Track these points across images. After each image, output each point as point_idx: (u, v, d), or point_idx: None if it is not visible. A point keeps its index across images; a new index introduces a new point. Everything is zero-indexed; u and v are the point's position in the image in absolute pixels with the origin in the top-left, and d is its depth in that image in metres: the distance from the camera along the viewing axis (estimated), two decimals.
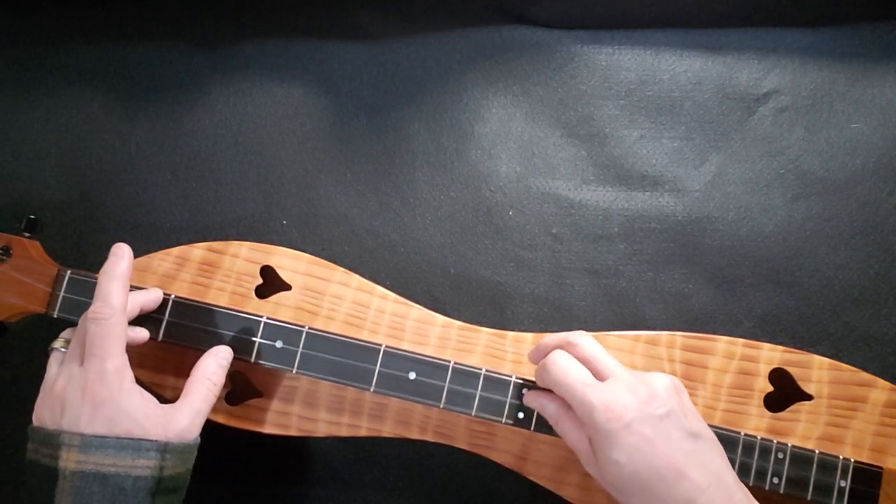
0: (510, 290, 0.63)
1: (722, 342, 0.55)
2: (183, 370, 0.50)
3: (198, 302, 0.53)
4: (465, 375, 0.51)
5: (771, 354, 0.54)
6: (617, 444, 0.42)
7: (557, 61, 0.65)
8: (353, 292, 0.56)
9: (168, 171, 0.66)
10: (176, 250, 0.56)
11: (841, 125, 0.63)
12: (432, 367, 0.51)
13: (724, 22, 0.65)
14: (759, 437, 0.51)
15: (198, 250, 0.56)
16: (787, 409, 0.54)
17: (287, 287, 0.56)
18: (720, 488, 0.42)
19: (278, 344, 0.52)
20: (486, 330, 0.56)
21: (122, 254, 0.49)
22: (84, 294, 0.53)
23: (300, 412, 0.55)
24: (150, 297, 0.52)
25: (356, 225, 0.65)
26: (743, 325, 0.62)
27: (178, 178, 0.66)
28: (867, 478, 0.51)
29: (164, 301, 0.53)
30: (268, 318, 0.53)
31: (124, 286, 0.48)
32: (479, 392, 0.51)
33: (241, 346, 0.52)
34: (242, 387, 0.56)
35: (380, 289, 0.56)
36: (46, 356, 0.49)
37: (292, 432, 0.55)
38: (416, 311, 0.56)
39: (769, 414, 0.54)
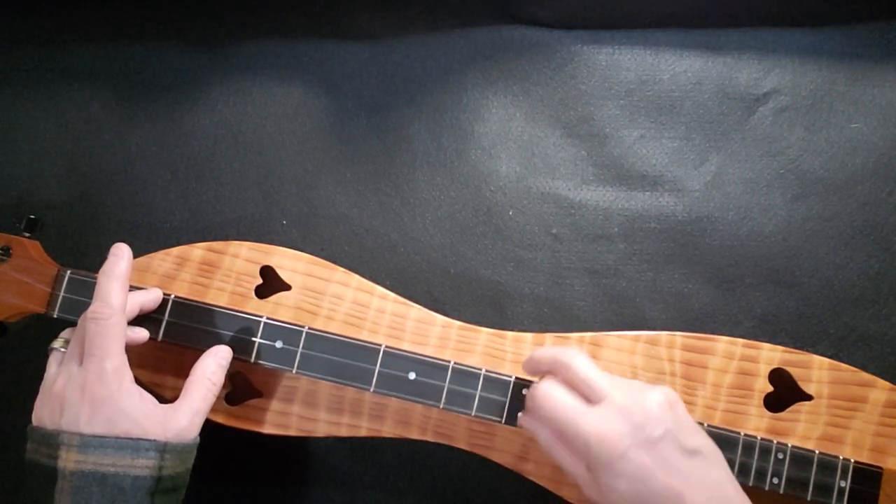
0: (510, 290, 0.63)
1: (722, 342, 0.55)
2: (183, 370, 0.50)
3: (198, 302, 0.53)
4: (465, 375, 0.51)
5: (771, 354, 0.54)
6: (615, 472, 0.42)
7: (557, 61, 0.65)
8: (353, 292, 0.56)
9: (168, 171, 0.66)
10: (176, 250, 0.56)
11: (841, 125, 0.63)
12: (432, 368, 0.51)
13: (724, 22, 0.64)
14: (758, 438, 0.51)
15: (198, 250, 0.56)
16: (787, 410, 0.54)
17: (287, 287, 0.56)
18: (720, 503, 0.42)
19: (278, 344, 0.52)
20: (485, 330, 0.56)
21: (121, 254, 0.49)
22: (84, 294, 0.53)
23: (300, 412, 0.55)
24: (150, 297, 0.52)
25: (356, 225, 0.65)
26: (743, 325, 0.62)
27: (178, 178, 0.66)
28: (867, 478, 0.51)
29: (164, 301, 0.53)
30: (268, 318, 0.53)
31: (123, 286, 0.48)
32: (478, 392, 0.51)
33: (240, 346, 0.52)
34: (242, 387, 0.56)
35: (380, 289, 0.56)
36: (46, 356, 0.50)
37: (292, 432, 0.55)
38: (416, 311, 0.56)
39: (769, 414, 0.54)
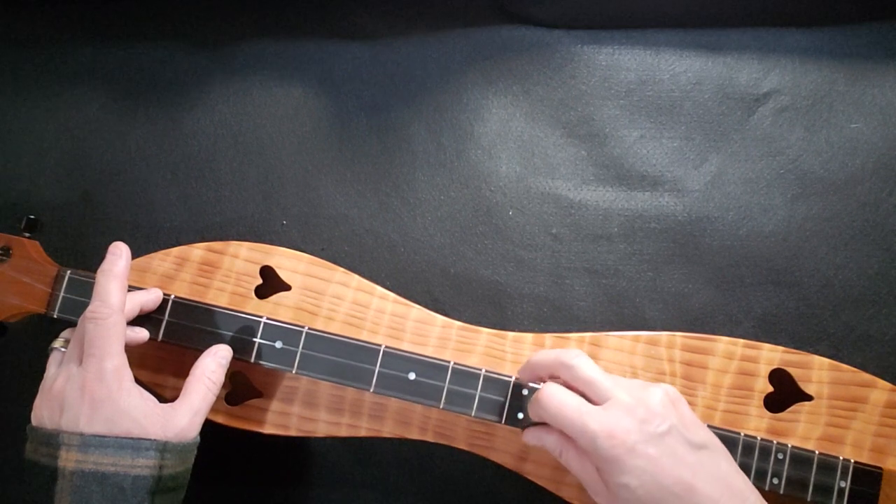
0: (510, 290, 0.63)
1: (722, 342, 0.55)
2: (183, 370, 0.50)
3: (198, 302, 0.53)
4: (465, 376, 0.51)
5: (771, 355, 0.54)
6: (624, 468, 0.42)
7: (557, 61, 0.65)
8: (353, 292, 0.56)
9: (168, 171, 0.66)
10: (176, 250, 0.56)
11: (841, 125, 0.63)
12: (432, 368, 0.51)
13: (724, 22, 0.64)
14: (758, 438, 0.51)
15: (197, 250, 0.56)
16: (787, 410, 0.54)
17: (287, 287, 0.56)
18: (732, 496, 0.42)
19: (278, 344, 0.52)
20: (485, 330, 0.56)
21: (119, 252, 0.49)
22: (84, 294, 0.53)
23: (300, 412, 0.55)
24: (150, 297, 0.52)
25: (356, 225, 0.65)
26: (743, 325, 0.62)
27: (178, 178, 0.66)
28: (867, 478, 0.51)
29: (164, 301, 0.53)
30: (267, 319, 0.53)
31: (122, 285, 0.48)
32: (478, 392, 0.51)
33: (240, 347, 0.52)
34: (242, 387, 0.56)
35: (380, 289, 0.56)
36: (46, 356, 0.50)
37: (292, 432, 0.55)
38: (416, 311, 0.56)
39: (769, 414, 0.54)
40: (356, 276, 0.56)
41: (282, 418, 0.55)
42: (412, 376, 0.51)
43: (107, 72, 0.67)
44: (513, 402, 0.50)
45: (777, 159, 0.63)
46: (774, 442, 0.51)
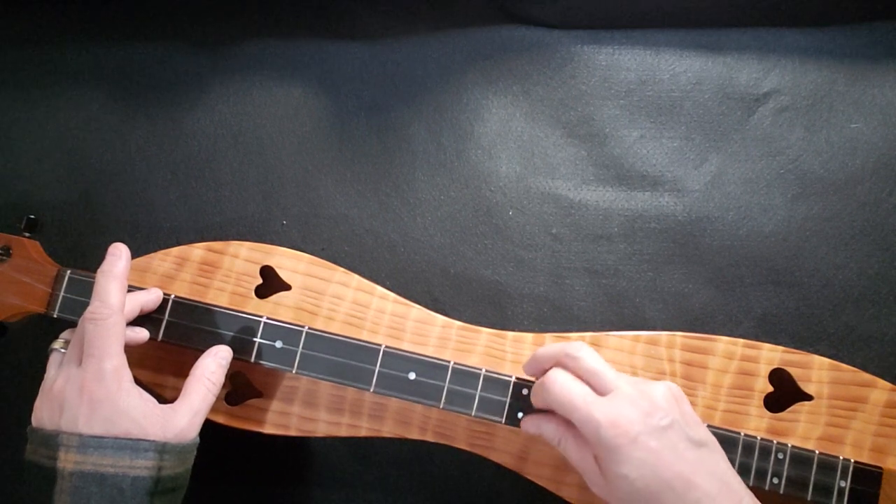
0: (510, 290, 0.63)
1: (722, 342, 0.55)
2: (183, 370, 0.50)
3: (198, 302, 0.53)
4: (465, 376, 0.51)
5: (771, 355, 0.54)
6: (625, 458, 0.42)
7: (557, 61, 0.65)
8: (353, 292, 0.56)
9: (168, 171, 0.66)
10: (176, 250, 0.56)
11: (841, 125, 0.63)
12: (432, 368, 0.51)
13: (724, 22, 0.64)
14: (758, 438, 0.51)
15: (197, 250, 0.56)
16: (787, 410, 0.54)
17: (287, 287, 0.56)
18: (729, 494, 0.42)
19: (278, 344, 0.52)
20: (485, 330, 0.56)
21: (119, 253, 0.49)
22: (84, 294, 0.53)
23: (300, 412, 0.55)
24: (150, 297, 0.52)
25: (356, 225, 0.65)
26: (743, 325, 0.62)
27: (178, 178, 0.66)
28: (867, 478, 0.51)
29: (164, 301, 0.53)
30: (268, 319, 0.53)
31: (122, 285, 0.48)
32: (478, 392, 0.51)
33: (240, 346, 0.52)
34: (242, 387, 0.56)
35: (380, 289, 0.56)
36: (46, 357, 0.49)
37: (292, 432, 0.55)
38: (416, 311, 0.56)
39: (769, 414, 0.54)
40: (356, 276, 0.56)
41: (282, 418, 0.55)
42: (412, 376, 0.51)
43: (107, 72, 0.67)
44: (513, 401, 0.50)
45: (777, 159, 0.63)
46: (774, 442, 0.51)
